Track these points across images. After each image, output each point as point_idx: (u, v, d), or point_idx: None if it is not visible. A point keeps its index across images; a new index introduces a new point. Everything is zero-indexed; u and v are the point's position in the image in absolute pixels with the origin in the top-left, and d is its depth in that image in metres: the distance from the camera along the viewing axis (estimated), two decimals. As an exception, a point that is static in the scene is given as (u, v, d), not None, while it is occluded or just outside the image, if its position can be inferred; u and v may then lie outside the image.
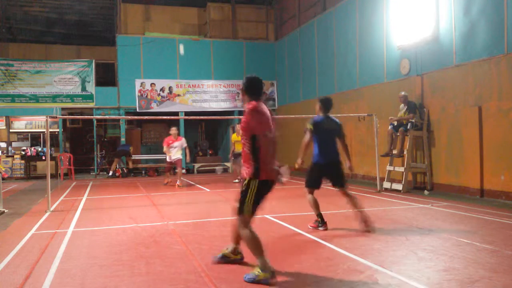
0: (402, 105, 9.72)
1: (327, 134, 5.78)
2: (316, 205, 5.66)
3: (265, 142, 3.74)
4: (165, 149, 11.83)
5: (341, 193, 5.72)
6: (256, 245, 3.73)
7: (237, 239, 4.19)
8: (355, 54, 12.45)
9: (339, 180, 5.69)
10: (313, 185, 5.76)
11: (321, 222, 5.65)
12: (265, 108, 3.97)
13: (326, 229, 5.57)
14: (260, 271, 3.61)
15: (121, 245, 5.06)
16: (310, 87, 15.23)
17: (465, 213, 6.65)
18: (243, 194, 3.82)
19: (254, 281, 3.58)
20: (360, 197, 8.80)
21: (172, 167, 12.74)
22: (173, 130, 11.84)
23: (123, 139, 16.36)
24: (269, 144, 3.79)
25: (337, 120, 5.96)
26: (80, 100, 16.03)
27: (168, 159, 12.06)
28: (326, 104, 5.87)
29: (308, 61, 15.36)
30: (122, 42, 16.28)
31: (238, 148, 12.34)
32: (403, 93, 9.68)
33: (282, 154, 17.65)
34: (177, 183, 11.69)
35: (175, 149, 11.77)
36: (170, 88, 16.59)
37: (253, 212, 3.81)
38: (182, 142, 11.94)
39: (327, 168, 5.68)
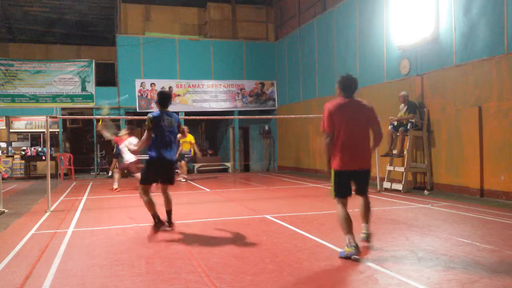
0: (402, 105, 9.72)
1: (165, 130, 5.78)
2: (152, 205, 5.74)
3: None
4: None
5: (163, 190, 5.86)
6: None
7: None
8: (355, 54, 12.45)
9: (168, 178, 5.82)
10: (148, 182, 5.76)
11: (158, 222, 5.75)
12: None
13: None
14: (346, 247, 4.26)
15: (121, 245, 5.06)
16: (310, 87, 15.23)
17: (465, 213, 6.65)
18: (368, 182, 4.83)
19: (345, 256, 4.20)
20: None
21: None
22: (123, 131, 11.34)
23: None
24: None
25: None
26: (80, 100, 16.03)
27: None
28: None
29: (308, 61, 15.36)
30: (122, 42, 16.28)
31: (185, 148, 13.12)
32: (403, 92, 9.67)
33: (283, 153, 17.71)
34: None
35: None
36: (170, 88, 16.57)
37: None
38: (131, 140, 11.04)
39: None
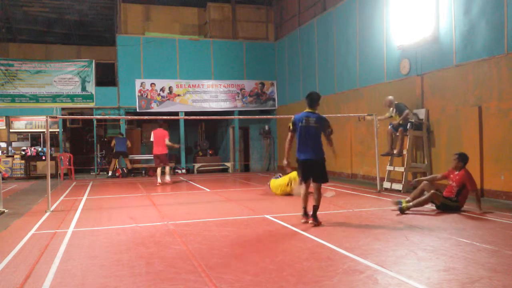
0: (391, 109, 9.78)
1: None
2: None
3: None
4: (167, 141, 12.07)
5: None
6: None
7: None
8: (355, 54, 12.45)
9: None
10: (302, 179, 6.27)
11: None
12: None
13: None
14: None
15: (121, 245, 5.06)
16: (310, 87, 15.21)
17: (465, 213, 6.65)
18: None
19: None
20: (360, 197, 8.81)
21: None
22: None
23: (120, 135, 16.13)
24: None
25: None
26: (80, 100, 16.03)
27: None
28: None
29: (308, 61, 15.36)
30: (122, 42, 16.29)
31: None
32: (389, 97, 9.82)
33: (283, 153, 17.65)
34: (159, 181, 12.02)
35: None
36: (170, 88, 16.59)
37: None
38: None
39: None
